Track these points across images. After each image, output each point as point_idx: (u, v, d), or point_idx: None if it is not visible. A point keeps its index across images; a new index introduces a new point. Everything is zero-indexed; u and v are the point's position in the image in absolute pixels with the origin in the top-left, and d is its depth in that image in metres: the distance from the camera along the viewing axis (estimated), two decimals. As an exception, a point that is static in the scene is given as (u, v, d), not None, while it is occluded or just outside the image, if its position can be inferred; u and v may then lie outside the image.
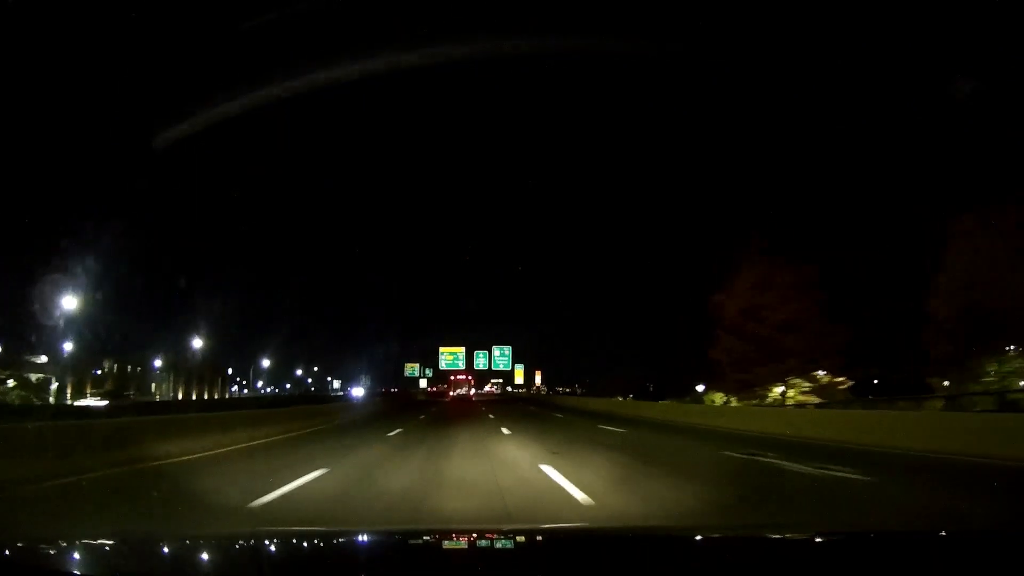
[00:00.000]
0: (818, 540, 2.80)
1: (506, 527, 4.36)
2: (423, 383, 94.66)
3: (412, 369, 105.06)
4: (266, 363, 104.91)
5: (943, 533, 2.99)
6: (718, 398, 38.92)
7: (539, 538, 3.03)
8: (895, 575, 2.20)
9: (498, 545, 2.84)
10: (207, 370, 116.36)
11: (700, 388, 38.56)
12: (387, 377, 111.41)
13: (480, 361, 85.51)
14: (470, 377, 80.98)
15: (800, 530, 3.46)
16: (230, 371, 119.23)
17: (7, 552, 2.23)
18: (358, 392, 79.74)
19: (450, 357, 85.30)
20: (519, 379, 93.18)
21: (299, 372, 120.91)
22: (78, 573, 2.19)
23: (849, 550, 2.58)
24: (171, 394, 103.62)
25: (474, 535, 3.12)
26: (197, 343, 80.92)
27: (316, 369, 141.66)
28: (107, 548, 2.57)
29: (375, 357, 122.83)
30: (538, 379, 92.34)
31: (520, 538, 2.97)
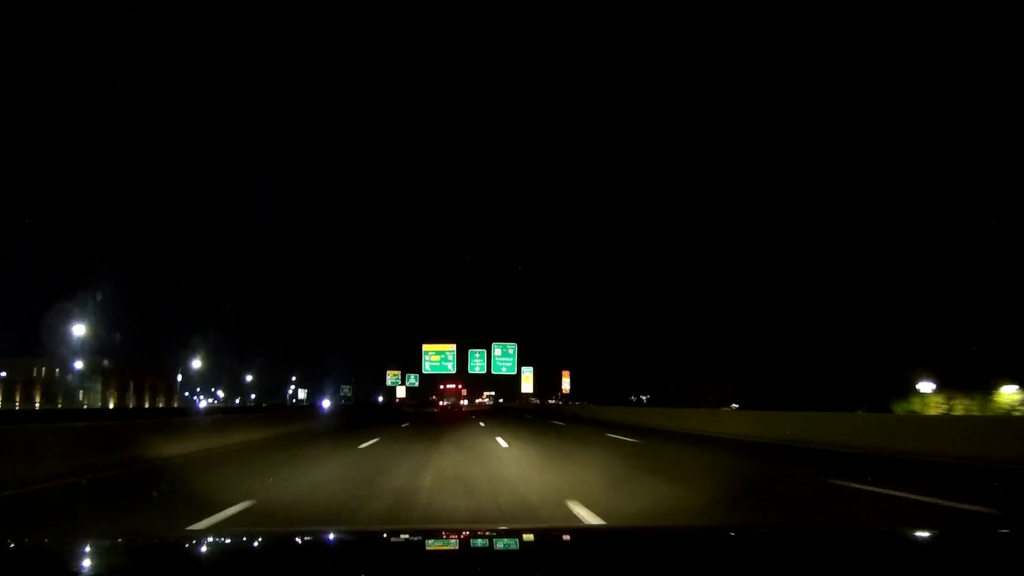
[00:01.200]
0: (816, 539, 2.86)
1: (503, 527, 4.16)
2: (401, 392, 76.81)
3: (395, 377, 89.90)
4: (196, 364, 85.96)
5: (939, 533, 2.97)
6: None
7: (537, 537, 3.03)
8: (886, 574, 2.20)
9: (496, 545, 2.82)
10: (150, 376, 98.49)
11: (927, 387, 20.39)
12: (371, 386, 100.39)
13: (476, 363, 62.82)
14: (460, 386, 69.21)
15: (795, 529, 3.59)
16: (179, 378, 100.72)
17: (6, 552, 2.30)
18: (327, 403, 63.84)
19: (436, 358, 62.49)
20: (527, 386, 69.78)
21: (249, 378, 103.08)
22: (75, 572, 2.18)
23: (842, 549, 2.60)
24: (100, 403, 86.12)
25: (470, 534, 3.16)
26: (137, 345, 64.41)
27: (294, 379, 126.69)
28: (102, 548, 2.55)
29: (357, 364, 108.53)
30: (566, 383, 71.80)
31: (520, 538, 3.00)
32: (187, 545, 2.76)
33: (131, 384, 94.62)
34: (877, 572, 2.16)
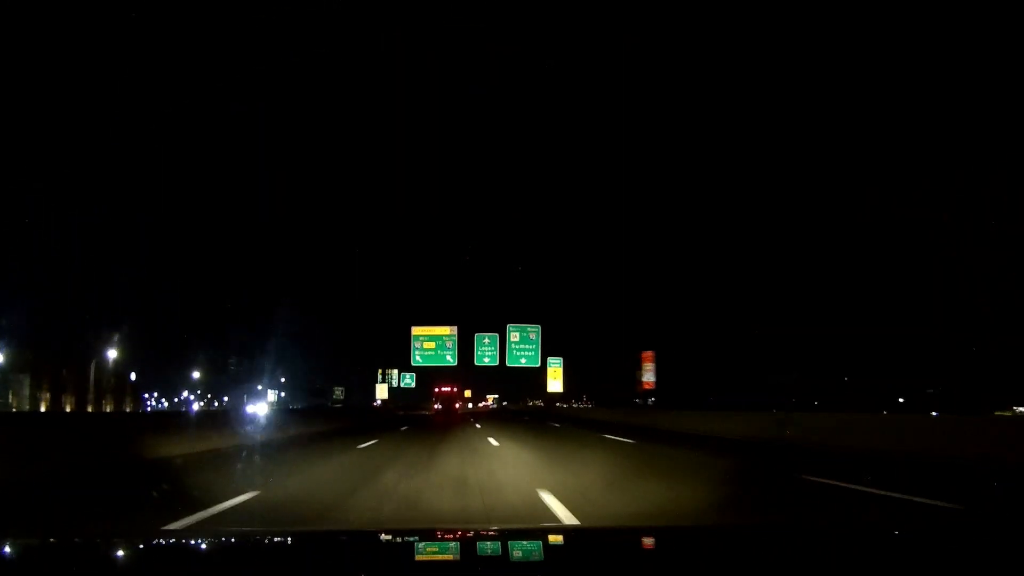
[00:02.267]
0: (826, 539, 2.82)
1: (501, 527, 4.16)
2: (381, 392, 60.68)
3: (389, 376, 76.36)
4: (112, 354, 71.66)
5: (936, 534, 3.03)
6: None
7: (536, 538, 3.02)
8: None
9: (494, 546, 2.76)
10: (100, 375, 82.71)
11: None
12: (371, 388, 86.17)
13: (485, 352, 44.75)
14: (455, 388, 57.47)
15: (797, 529, 3.55)
16: (132, 376, 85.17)
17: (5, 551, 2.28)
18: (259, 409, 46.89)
19: (430, 345, 44.30)
20: (555, 384, 50.28)
21: (196, 375, 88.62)
22: (71, 573, 2.19)
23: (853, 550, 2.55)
24: (28, 404, 71.28)
25: (469, 535, 3.18)
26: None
27: (284, 380, 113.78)
28: (99, 547, 2.54)
29: (356, 365, 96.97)
30: (649, 375, 44.20)
31: (518, 538, 2.98)
32: (183, 545, 2.73)
33: (68, 383, 79.10)
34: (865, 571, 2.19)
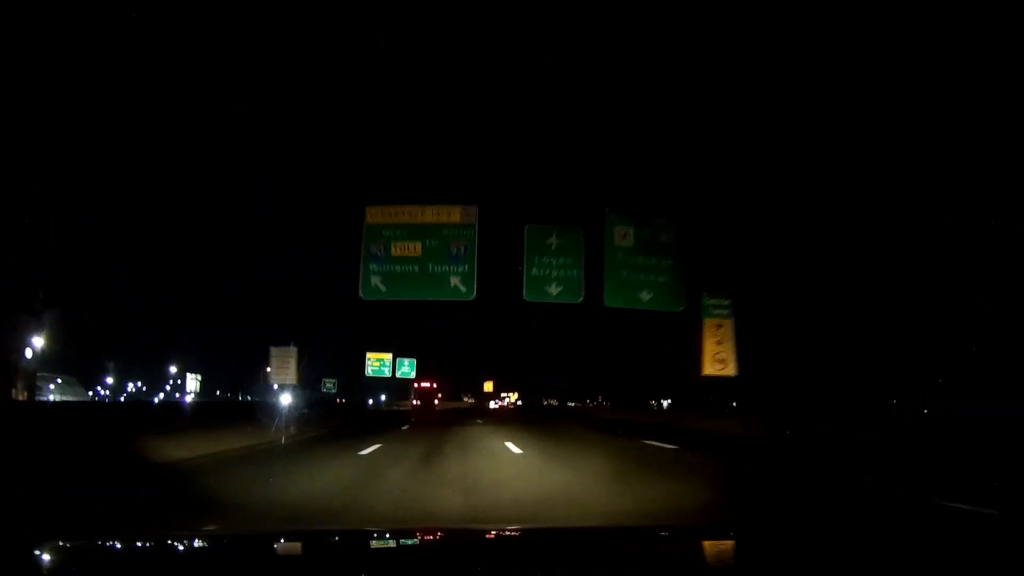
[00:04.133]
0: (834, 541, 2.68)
1: (501, 527, 3.99)
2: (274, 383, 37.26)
3: (380, 363, 53.40)
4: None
5: (936, 532, 2.91)
6: None
7: (533, 537, 2.99)
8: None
9: (495, 546, 2.73)
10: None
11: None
12: (374, 383, 77.44)
13: (551, 273, 16.25)
14: (434, 384, 49.48)
15: (806, 529, 3.51)
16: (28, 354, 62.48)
17: (7, 554, 2.26)
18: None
19: (406, 251, 16.07)
20: (718, 361, 17.68)
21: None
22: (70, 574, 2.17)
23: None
24: None
25: (469, 534, 3.15)
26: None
27: (268, 371, 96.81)
28: (101, 548, 2.51)
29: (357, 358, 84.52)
30: None
31: (517, 538, 2.95)
32: (182, 545, 2.69)
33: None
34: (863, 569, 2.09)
